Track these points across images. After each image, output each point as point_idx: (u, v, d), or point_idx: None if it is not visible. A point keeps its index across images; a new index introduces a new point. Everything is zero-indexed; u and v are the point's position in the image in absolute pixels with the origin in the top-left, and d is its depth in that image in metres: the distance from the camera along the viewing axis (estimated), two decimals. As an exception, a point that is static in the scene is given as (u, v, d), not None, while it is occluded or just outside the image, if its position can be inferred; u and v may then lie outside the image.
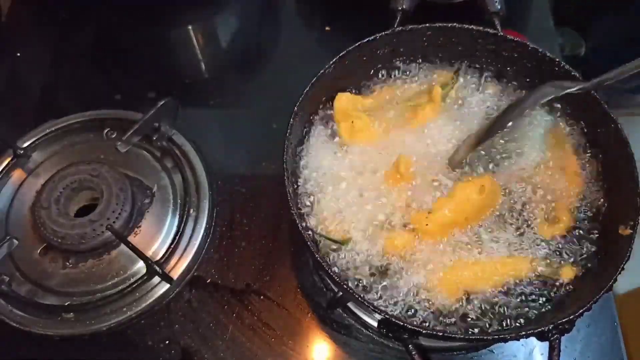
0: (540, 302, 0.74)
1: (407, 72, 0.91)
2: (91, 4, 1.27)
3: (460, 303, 0.73)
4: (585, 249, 0.77)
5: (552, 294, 0.74)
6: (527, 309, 0.73)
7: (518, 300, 0.74)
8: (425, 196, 0.79)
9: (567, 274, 0.75)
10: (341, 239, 0.77)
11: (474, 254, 0.76)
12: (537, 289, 0.75)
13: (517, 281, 0.75)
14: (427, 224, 0.76)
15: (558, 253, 0.77)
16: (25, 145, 1.02)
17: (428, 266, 0.75)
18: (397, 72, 0.91)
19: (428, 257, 0.76)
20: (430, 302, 0.73)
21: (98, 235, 0.90)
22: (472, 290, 0.74)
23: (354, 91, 0.89)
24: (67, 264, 0.91)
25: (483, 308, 0.73)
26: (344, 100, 0.86)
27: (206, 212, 0.97)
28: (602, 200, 0.79)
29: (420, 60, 0.90)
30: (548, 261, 0.76)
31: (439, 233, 0.77)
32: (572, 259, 0.76)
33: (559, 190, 0.80)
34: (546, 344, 0.67)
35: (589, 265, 0.75)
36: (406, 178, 0.80)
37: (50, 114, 1.06)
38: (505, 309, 0.73)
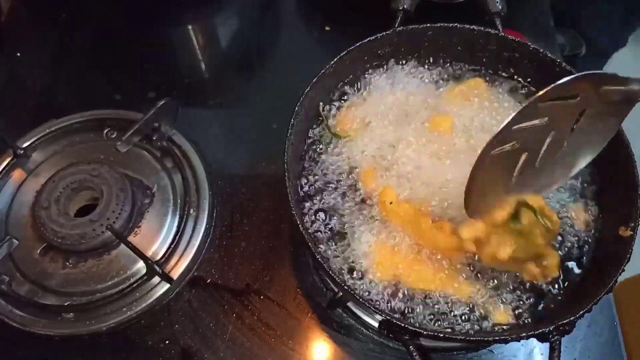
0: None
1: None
2: (91, 4, 1.27)
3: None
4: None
5: (552, 294, 0.74)
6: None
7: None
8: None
9: (500, 318, 0.72)
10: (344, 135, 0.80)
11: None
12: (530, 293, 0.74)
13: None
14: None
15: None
16: (25, 145, 1.02)
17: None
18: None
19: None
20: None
21: (98, 235, 0.90)
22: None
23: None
24: (67, 264, 0.91)
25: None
26: None
27: (206, 212, 0.97)
28: (601, 200, 0.80)
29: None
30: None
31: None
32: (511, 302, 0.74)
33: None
34: (546, 344, 0.67)
35: (590, 265, 0.75)
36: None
37: (50, 114, 1.06)
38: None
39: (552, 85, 0.61)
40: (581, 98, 0.64)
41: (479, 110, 0.86)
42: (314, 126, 0.85)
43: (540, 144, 0.66)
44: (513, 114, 0.61)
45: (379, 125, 0.84)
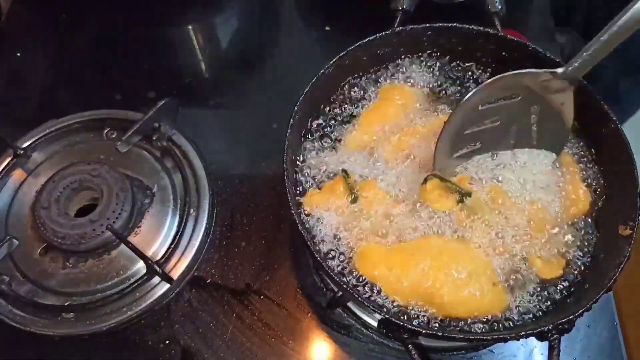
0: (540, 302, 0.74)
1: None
2: (91, 4, 1.27)
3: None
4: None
5: (552, 293, 0.74)
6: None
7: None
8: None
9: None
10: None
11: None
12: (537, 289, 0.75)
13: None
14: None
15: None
16: (25, 145, 1.02)
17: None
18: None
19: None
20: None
21: (98, 235, 0.90)
22: None
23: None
24: (67, 264, 0.91)
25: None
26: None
27: (206, 212, 0.97)
28: (601, 200, 0.80)
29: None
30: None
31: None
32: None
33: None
34: (546, 343, 0.67)
35: (589, 264, 0.75)
36: None
37: (50, 114, 1.06)
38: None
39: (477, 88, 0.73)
40: (523, 97, 0.75)
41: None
42: (314, 126, 0.86)
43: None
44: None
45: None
